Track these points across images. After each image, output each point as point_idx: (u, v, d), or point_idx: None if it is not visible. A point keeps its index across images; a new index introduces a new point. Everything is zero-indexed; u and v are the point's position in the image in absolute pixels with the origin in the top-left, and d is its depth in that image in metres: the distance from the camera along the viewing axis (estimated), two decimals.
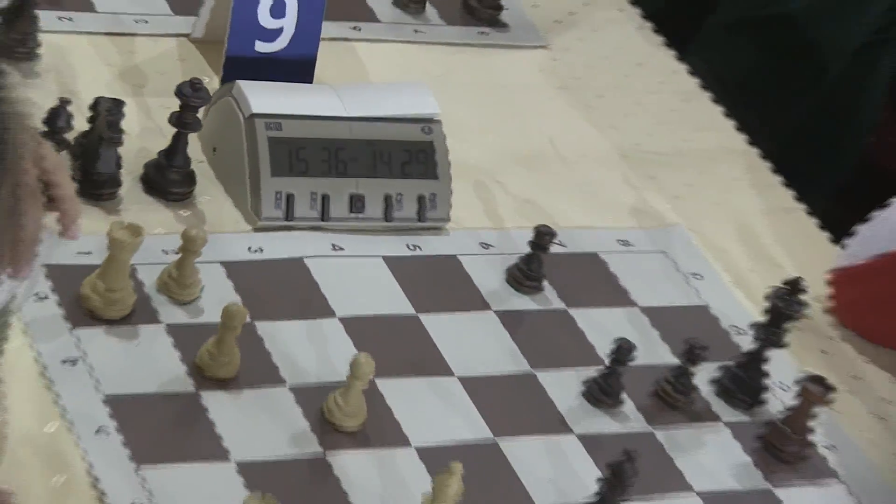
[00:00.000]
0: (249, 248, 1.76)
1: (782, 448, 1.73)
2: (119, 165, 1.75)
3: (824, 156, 2.52)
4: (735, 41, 2.44)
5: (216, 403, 1.57)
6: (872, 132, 2.65)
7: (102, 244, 1.59)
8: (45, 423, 1.50)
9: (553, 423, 1.68)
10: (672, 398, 1.75)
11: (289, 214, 1.79)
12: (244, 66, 1.92)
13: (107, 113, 1.71)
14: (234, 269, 1.73)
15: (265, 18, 1.92)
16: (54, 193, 1.41)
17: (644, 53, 2.28)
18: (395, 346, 1.70)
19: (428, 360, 1.71)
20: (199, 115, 1.77)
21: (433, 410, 1.65)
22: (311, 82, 1.94)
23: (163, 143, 1.78)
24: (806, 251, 2.03)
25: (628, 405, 1.73)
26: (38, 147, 1.29)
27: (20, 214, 1.11)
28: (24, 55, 1.83)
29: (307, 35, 1.94)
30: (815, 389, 1.71)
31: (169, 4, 2.05)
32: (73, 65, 1.90)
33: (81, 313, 1.60)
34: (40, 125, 1.58)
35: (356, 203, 1.81)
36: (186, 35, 2.01)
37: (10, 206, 0.99)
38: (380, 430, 1.60)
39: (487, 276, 1.82)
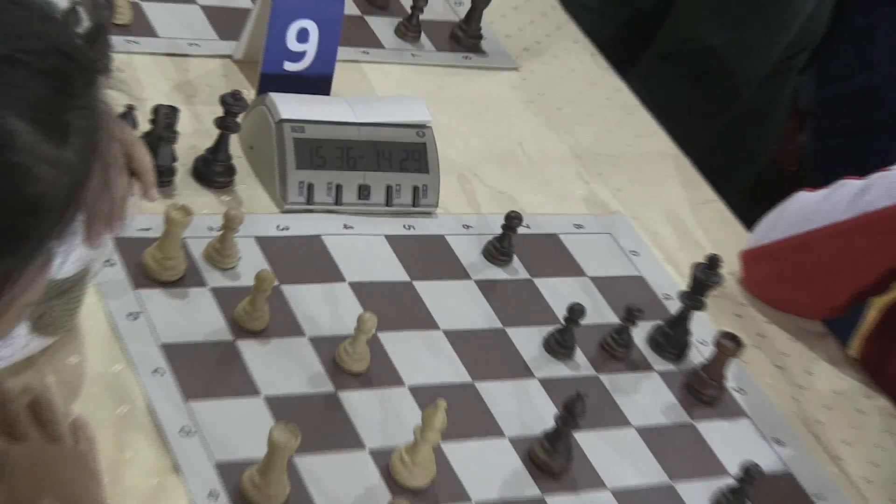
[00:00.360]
0: (277, 226, 1.77)
1: (702, 391, 1.74)
2: (174, 159, 1.76)
3: (738, 159, 2.53)
4: (667, 68, 2.44)
5: (249, 350, 1.58)
6: (776, 141, 2.65)
7: (160, 222, 1.61)
8: (113, 364, 1.51)
9: (519, 369, 1.70)
10: (615, 350, 1.76)
11: (309, 200, 1.80)
12: (275, 81, 1.92)
13: (164, 117, 1.72)
14: (265, 243, 1.74)
15: (292, 43, 1.92)
16: (135, 166, 1.44)
17: (595, 75, 2.29)
18: (393, 306, 1.71)
19: (419, 318, 1.72)
20: (239, 119, 1.78)
21: (423, 358, 1.66)
22: (328, 94, 1.95)
23: (209, 141, 1.79)
24: (722, 235, 2.04)
25: (579, 356, 1.74)
26: (119, 129, 1.30)
27: (111, 184, 1.11)
28: (102, 70, 1.83)
29: (326, 57, 1.95)
30: (729, 344, 1.72)
31: (215, 31, 2.06)
32: (139, 78, 1.90)
33: (142, 277, 1.62)
34: None
35: (363, 191, 1.82)
36: (229, 56, 2.02)
37: (104, 178, 1.03)
38: (380, 373, 1.62)
39: (468, 251, 1.83)
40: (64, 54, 0.98)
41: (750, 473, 1.57)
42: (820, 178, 1.95)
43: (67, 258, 1.29)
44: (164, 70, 1.96)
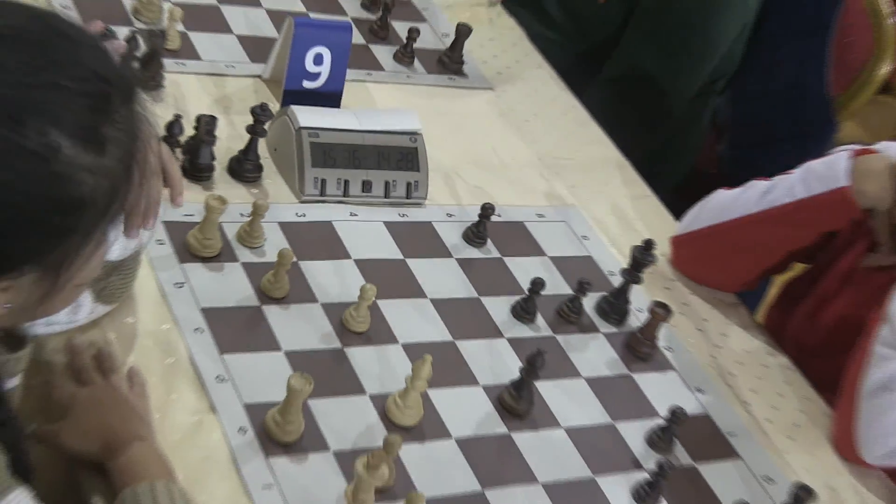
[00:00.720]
0: (296, 213, 1.77)
1: (638, 349, 1.75)
2: (213, 158, 1.76)
3: (669, 164, 2.53)
4: (613, 90, 2.43)
5: (272, 314, 1.59)
6: (699, 149, 2.65)
7: (200, 209, 1.61)
8: (162, 324, 1.52)
9: (491, 330, 1.70)
10: (568, 316, 1.76)
11: (322, 192, 1.80)
12: (295, 96, 1.91)
13: (205, 125, 1.72)
14: (286, 227, 1.73)
15: (310, 66, 1.91)
16: (167, 176, 1.42)
17: (554, 95, 2.29)
18: (390, 278, 1.71)
19: (411, 288, 1.72)
20: (266, 126, 1.77)
21: (413, 320, 1.67)
22: (338, 107, 1.94)
23: (241, 144, 1.79)
24: (655, 224, 2.03)
25: (540, 320, 1.74)
26: (157, 145, 1.29)
27: (148, 186, 1.11)
28: (153, 87, 1.83)
29: (336, 77, 1.94)
30: (660, 311, 1.72)
31: (248, 55, 2.06)
32: (185, 93, 1.90)
33: (186, 253, 1.62)
34: (162, 131, 1.58)
35: (366, 186, 1.81)
36: (258, 76, 2.02)
37: (141, 181, 1.05)
38: (378, 333, 1.62)
39: (450, 235, 1.83)
40: (102, 78, 0.99)
41: (676, 415, 1.58)
42: (734, 180, 1.95)
43: (117, 244, 1.34)
44: (206, 86, 1.95)
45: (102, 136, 0.98)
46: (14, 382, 1.21)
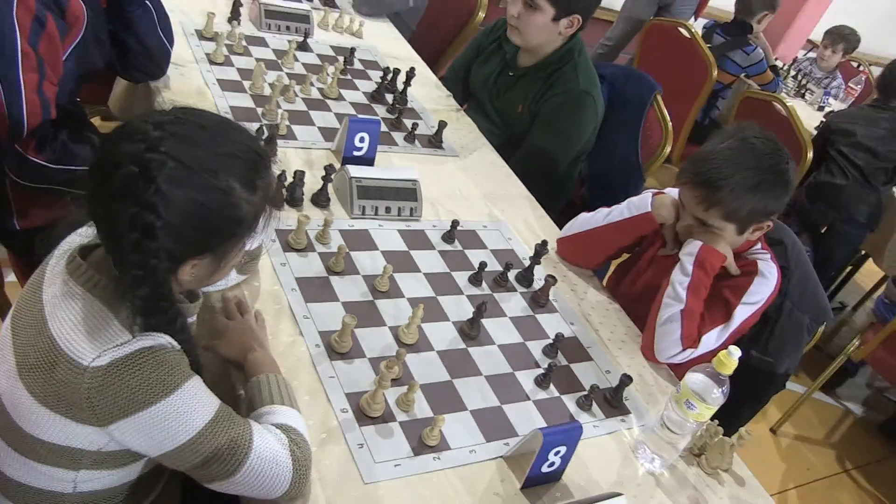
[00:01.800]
0: (349, 225, 1.70)
1: (538, 301, 1.69)
2: (303, 194, 1.69)
3: (556, 199, 2.47)
4: (525, 159, 2.36)
5: (334, 281, 1.53)
6: (573, 191, 2.60)
7: (295, 222, 1.55)
8: (273, 286, 1.47)
9: (457, 290, 1.64)
10: (501, 283, 1.70)
11: (363, 213, 1.73)
12: (349, 160, 1.86)
13: (299, 176, 1.66)
14: (343, 233, 1.67)
15: (357, 143, 1.86)
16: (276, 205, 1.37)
17: (492, 160, 2.23)
18: (400, 261, 1.65)
19: (412, 266, 1.65)
20: (332, 176, 1.71)
21: (413, 284, 1.60)
22: (373, 166, 1.87)
23: (318, 186, 1.72)
24: (548, 232, 1.99)
25: (485, 285, 1.68)
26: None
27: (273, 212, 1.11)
28: (273, 155, 1.78)
29: (372, 150, 1.89)
30: (551, 280, 1.67)
31: (323, 137, 1.99)
32: (289, 159, 1.84)
33: (287, 247, 1.56)
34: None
35: (388, 209, 1.76)
36: (330, 148, 1.95)
37: (270, 210, 1.08)
38: (393, 291, 1.56)
39: (434, 238, 1.77)
40: (255, 152, 1.03)
41: (557, 337, 1.53)
42: (591, 208, 1.90)
43: (254, 242, 1.35)
44: (300, 154, 1.88)
45: (255, 184, 1.01)
46: (192, 319, 1.17)
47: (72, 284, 1.01)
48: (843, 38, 4.71)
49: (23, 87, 1.50)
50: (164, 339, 1.00)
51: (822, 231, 3.68)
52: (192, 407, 1.00)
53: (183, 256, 0.99)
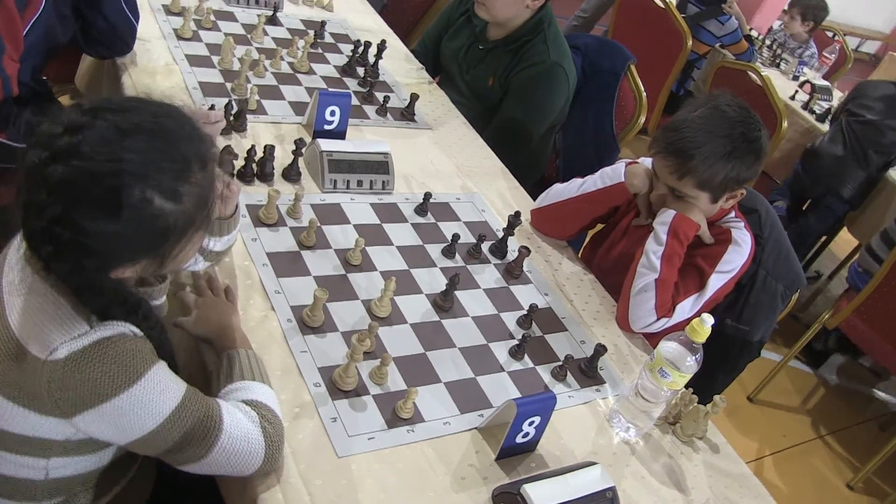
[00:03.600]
0: (320, 199, 1.68)
1: (512, 272, 1.68)
2: (273, 169, 1.67)
3: (530, 171, 2.46)
4: (498, 131, 2.35)
5: (305, 256, 1.51)
6: (546, 162, 2.59)
7: (265, 197, 1.52)
8: (245, 261, 1.44)
9: (430, 263, 1.62)
10: (474, 255, 1.69)
11: (334, 187, 1.71)
12: (320, 133, 1.83)
13: (269, 150, 1.64)
14: (315, 207, 1.65)
15: (328, 117, 1.84)
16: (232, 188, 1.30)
17: (464, 132, 2.21)
18: (372, 234, 1.63)
19: (384, 239, 1.64)
20: (303, 150, 1.68)
21: (385, 258, 1.59)
22: (344, 139, 1.84)
23: (289, 160, 1.70)
24: (522, 203, 1.98)
25: (458, 257, 1.67)
26: (223, 177, 1.19)
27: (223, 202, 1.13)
28: (241, 130, 1.77)
29: (343, 123, 1.87)
30: (524, 251, 1.67)
31: (294, 112, 1.95)
32: (258, 133, 1.81)
33: (258, 222, 1.54)
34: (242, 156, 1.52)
35: (360, 183, 1.74)
36: (300, 123, 1.92)
37: (213, 202, 1.02)
38: (366, 264, 1.54)
39: (407, 211, 1.75)
40: (187, 159, 0.95)
41: (532, 308, 1.53)
42: (564, 179, 1.89)
43: (218, 245, 1.33)
44: (270, 129, 1.85)
45: (180, 193, 0.93)
46: (161, 300, 1.15)
47: (28, 273, 0.98)
48: (803, 7, 4.67)
49: None
50: (125, 327, 0.96)
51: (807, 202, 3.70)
52: (157, 394, 0.97)
53: (109, 265, 0.94)
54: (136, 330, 0.98)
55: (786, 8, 4.93)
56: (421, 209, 1.76)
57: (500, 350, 1.47)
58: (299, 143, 1.68)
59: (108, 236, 0.90)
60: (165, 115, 0.95)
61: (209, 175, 0.99)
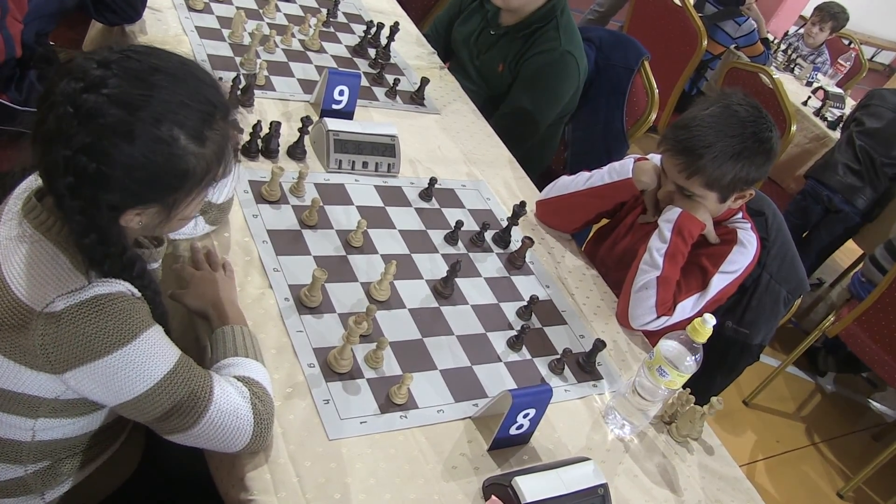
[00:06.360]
0: (324, 178, 1.65)
1: (514, 263, 1.66)
2: (278, 146, 1.64)
3: (537, 161, 2.45)
4: (504, 119, 2.31)
5: (307, 234, 1.49)
6: (554, 153, 2.58)
7: (269, 173, 1.50)
8: (244, 237, 1.42)
9: (432, 249, 1.60)
10: (477, 243, 1.67)
11: (339, 167, 1.69)
12: (328, 113, 1.81)
13: (275, 126, 1.61)
14: (318, 186, 1.62)
15: (336, 96, 1.81)
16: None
17: (473, 119, 2.19)
18: (375, 217, 1.61)
19: (387, 223, 1.62)
20: (309, 129, 1.66)
21: (387, 241, 1.57)
22: (352, 120, 1.81)
23: (294, 138, 1.67)
24: (527, 193, 1.96)
25: (460, 244, 1.65)
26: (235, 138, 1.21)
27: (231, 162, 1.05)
28: (249, 105, 1.74)
29: (351, 104, 1.84)
30: (528, 241, 1.65)
31: (302, 89, 1.93)
32: (266, 109, 1.79)
33: (260, 198, 1.51)
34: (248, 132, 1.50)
35: (365, 164, 1.71)
36: (308, 101, 1.89)
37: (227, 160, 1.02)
38: (367, 247, 1.52)
39: (411, 194, 1.73)
40: (210, 102, 0.97)
41: (532, 299, 1.51)
42: (572, 171, 1.87)
43: (221, 194, 1.33)
44: (277, 106, 1.83)
45: (205, 136, 0.95)
46: (157, 265, 1.15)
47: (26, 226, 0.97)
48: (832, 16, 4.66)
49: None
50: (123, 286, 0.96)
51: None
52: (150, 357, 0.96)
53: (124, 205, 0.94)
54: (135, 290, 0.98)
55: (809, 16, 4.89)
56: (425, 194, 1.73)
57: (499, 340, 1.45)
58: (306, 121, 1.66)
59: (132, 169, 0.90)
60: (192, 63, 0.98)
61: (228, 129, 1.00)
